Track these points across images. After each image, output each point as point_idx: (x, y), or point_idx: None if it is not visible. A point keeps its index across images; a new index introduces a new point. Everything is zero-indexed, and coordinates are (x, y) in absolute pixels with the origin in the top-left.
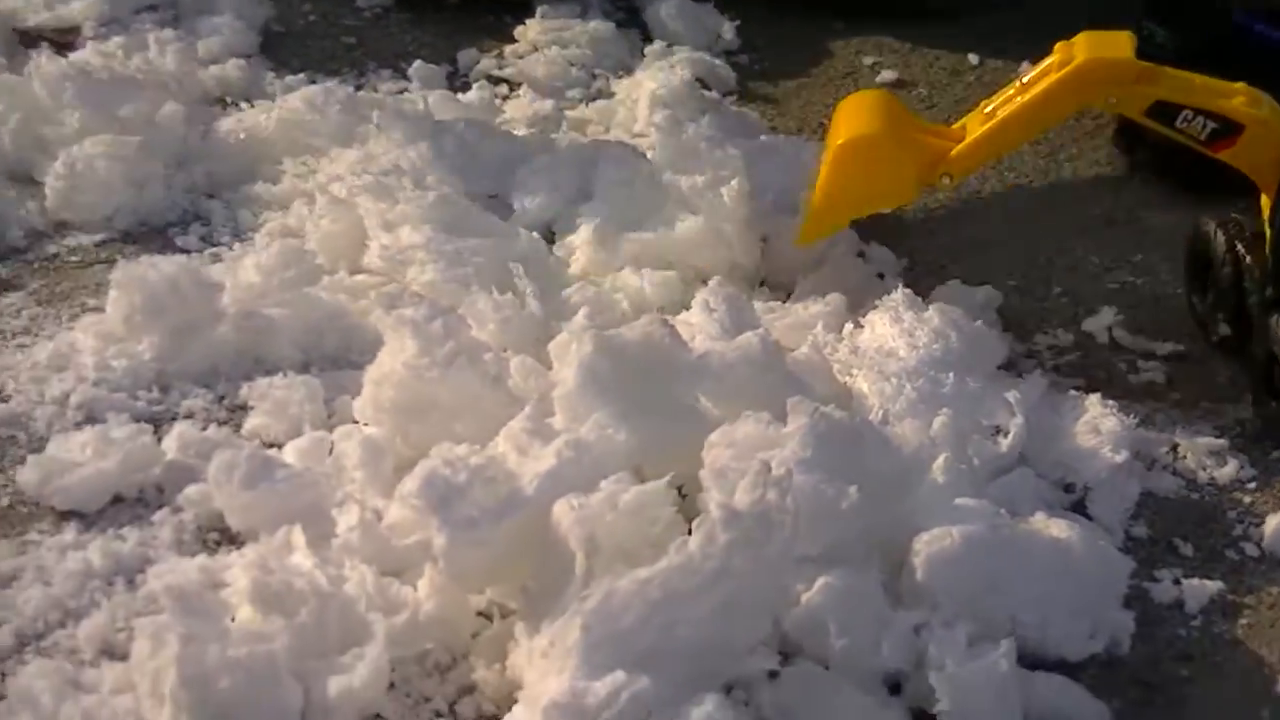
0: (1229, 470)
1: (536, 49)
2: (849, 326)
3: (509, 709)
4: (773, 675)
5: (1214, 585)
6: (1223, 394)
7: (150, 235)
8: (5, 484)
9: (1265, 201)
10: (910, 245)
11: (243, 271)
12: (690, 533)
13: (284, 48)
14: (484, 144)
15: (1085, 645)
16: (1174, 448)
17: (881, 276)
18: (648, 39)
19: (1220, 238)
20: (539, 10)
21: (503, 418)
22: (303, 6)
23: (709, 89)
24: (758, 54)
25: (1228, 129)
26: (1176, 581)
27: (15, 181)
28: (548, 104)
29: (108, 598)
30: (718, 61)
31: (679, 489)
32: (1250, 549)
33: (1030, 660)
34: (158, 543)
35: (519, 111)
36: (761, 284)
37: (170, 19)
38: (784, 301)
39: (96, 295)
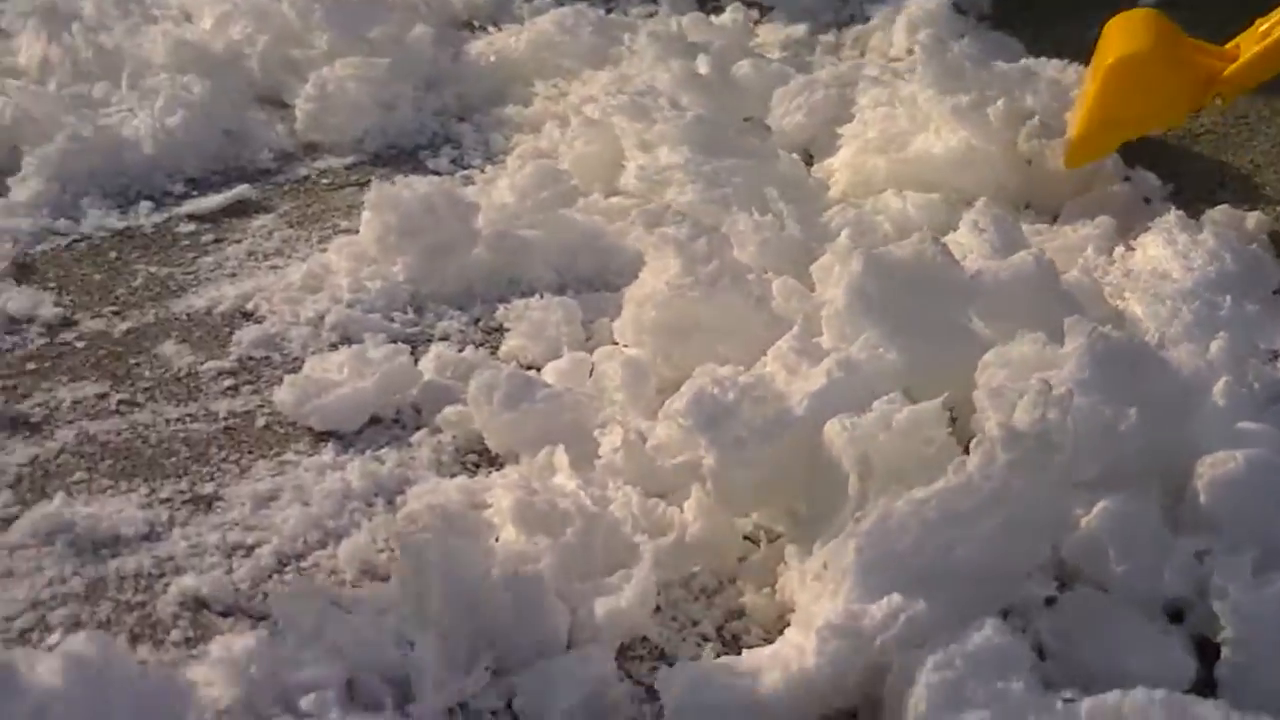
0: None
1: None
2: (1119, 249)
3: (779, 633)
4: (1050, 601)
5: None
6: None
7: (400, 158)
8: (262, 404)
9: None
10: (1175, 169)
11: (497, 193)
12: (966, 454)
13: None
14: (739, 66)
15: None
16: None
17: (1148, 201)
18: None
19: None
20: None
21: (766, 339)
22: None
23: (964, 13)
24: None
25: None
26: None
27: (265, 104)
28: (801, 28)
29: (367, 518)
30: None
31: (949, 411)
32: None
33: None
34: (416, 463)
35: (771, 35)
36: (1026, 206)
37: None
38: (1050, 224)
39: (348, 217)
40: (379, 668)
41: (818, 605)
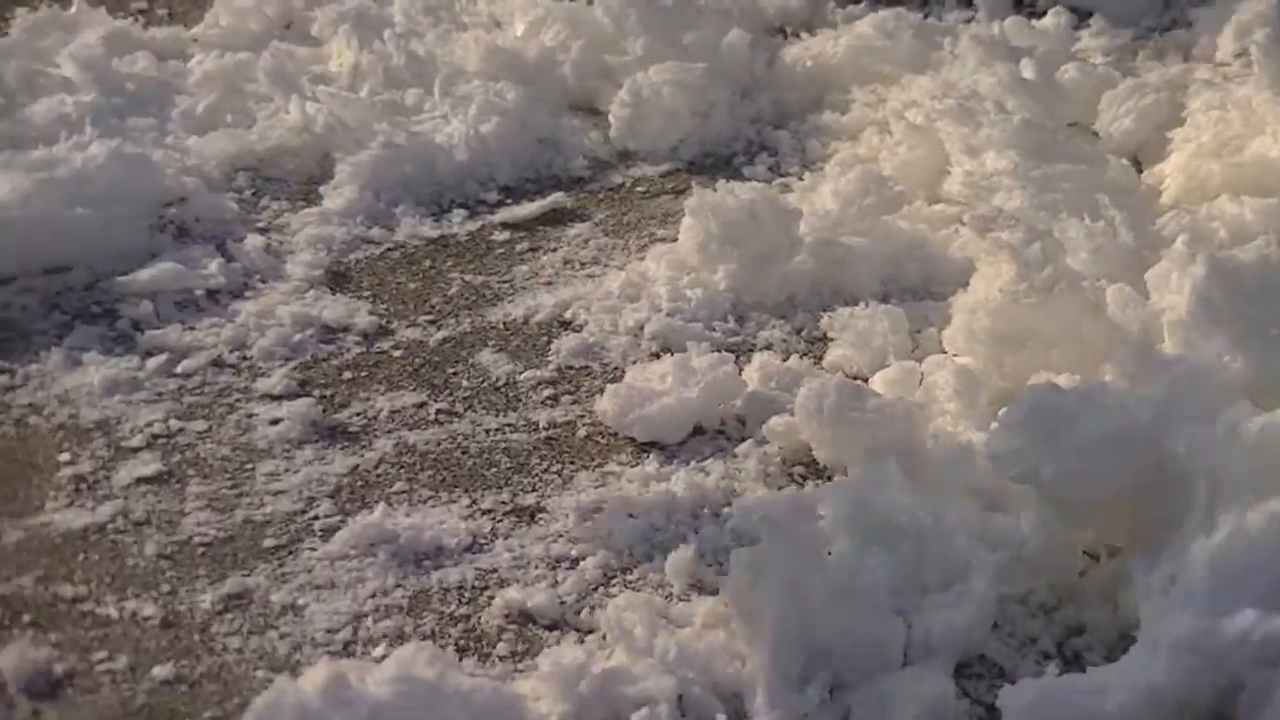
0: None
1: None
2: None
3: (1121, 651)
4: None
5: None
6: None
7: (716, 165)
8: (583, 414)
9: None
10: None
11: (819, 200)
12: None
13: None
14: (1064, 71)
15: None
16: None
17: None
18: None
19: None
20: None
21: (1102, 347)
22: None
23: None
24: None
25: None
26: None
27: (578, 111)
28: (1124, 33)
29: (694, 530)
30: None
31: None
32: None
33: None
34: (743, 475)
35: (1093, 40)
36: None
37: None
38: None
39: (664, 225)
40: (710, 683)
41: (1165, 621)
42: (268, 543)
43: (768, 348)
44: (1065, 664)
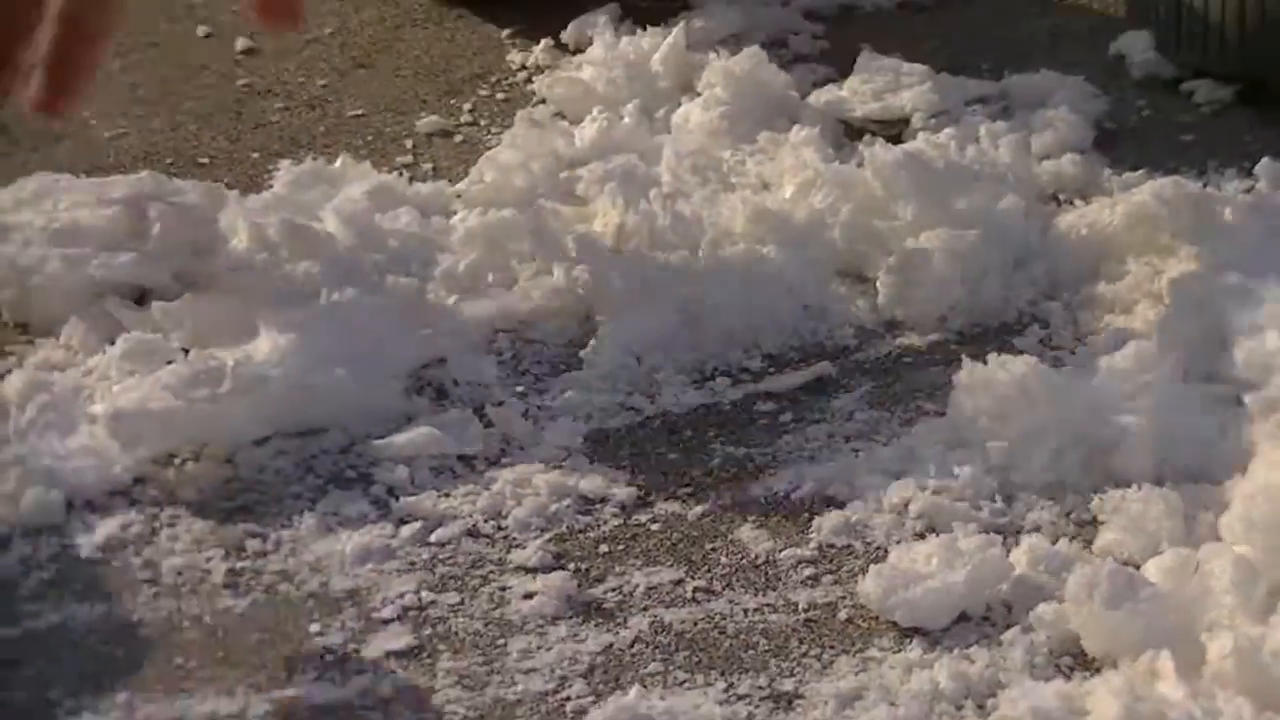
0: None
1: None
2: None
3: None
4: None
5: None
6: None
7: (985, 336)
8: (844, 595)
9: None
10: None
11: (1092, 376)
12: None
13: (1118, 143)
14: None
15: None
16: None
17: None
18: None
19: None
20: None
21: None
22: (1137, 102)
23: None
24: None
25: None
26: None
27: (845, 277)
28: None
29: None
30: None
31: None
32: None
33: None
34: (1008, 664)
35: None
36: None
37: (1001, 111)
38: None
39: (932, 398)
40: None
41: None
42: None
43: (1036, 530)
44: None
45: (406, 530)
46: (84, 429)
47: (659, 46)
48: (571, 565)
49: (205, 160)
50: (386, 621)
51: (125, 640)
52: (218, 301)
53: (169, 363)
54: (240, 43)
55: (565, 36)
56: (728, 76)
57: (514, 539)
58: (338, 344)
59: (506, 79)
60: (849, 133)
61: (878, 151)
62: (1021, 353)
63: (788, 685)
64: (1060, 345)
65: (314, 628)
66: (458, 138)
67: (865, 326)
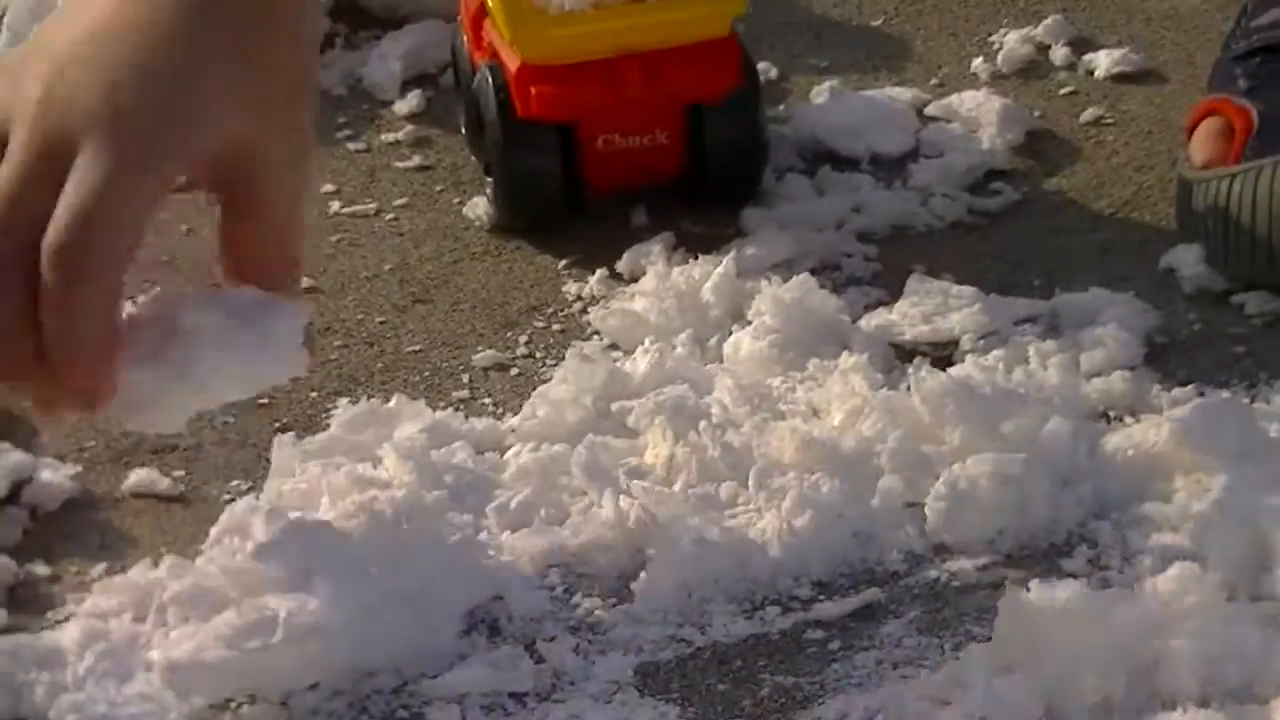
0: None
1: None
2: None
3: None
4: None
5: None
6: None
7: (1033, 558)
8: None
9: None
10: None
11: (1139, 599)
12: None
13: (1168, 358)
14: None
15: None
16: None
17: None
18: None
19: None
20: None
21: None
22: (1188, 315)
23: None
24: None
25: None
26: None
27: (893, 503)
28: None
29: None
30: None
31: None
32: None
33: None
34: None
35: None
36: None
37: (1050, 330)
38: None
39: (979, 623)
40: None
41: None
42: None
43: None
44: None
45: None
46: (140, 676)
47: (710, 275)
48: None
49: (265, 400)
50: None
51: None
52: (267, 548)
53: (223, 610)
54: (301, 282)
55: (620, 266)
56: (778, 304)
57: None
58: (392, 586)
59: (562, 310)
60: (900, 355)
61: (925, 378)
62: (1070, 574)
63: None
64: (1108, 565)
65: None
66: (513, 371)
67: (914, 551)
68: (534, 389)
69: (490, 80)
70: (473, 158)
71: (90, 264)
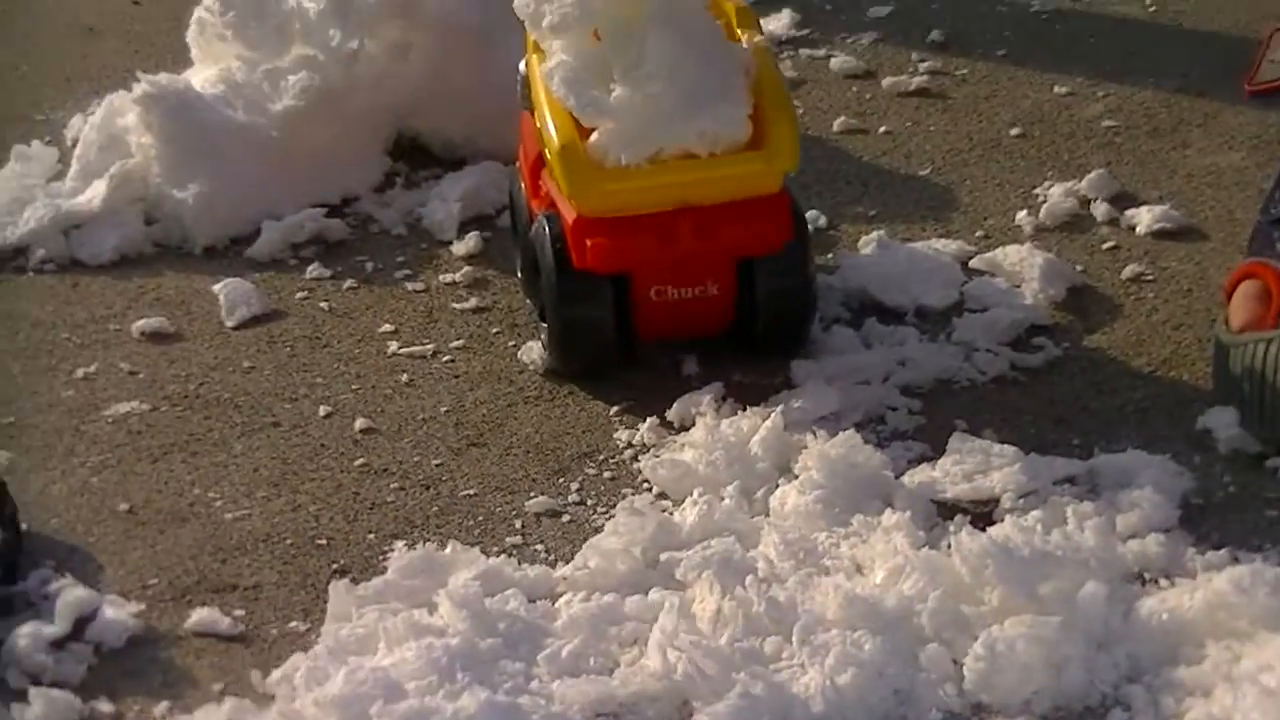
0: None
1: None
2: None
3: None
4: None
5: None
6: None
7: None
8: None
9: None
10: None
11: None
12: None
13: (1203, 521)
14: None
15: None
16: None
17: None
18: None
19: None
20: None
21: None
22: (1223, 477)
23: None
24: None
25: None
26: None
27: (933, 662)
28: None
29: None
30: None
31: None
32: None
33: None
34: None
35: None
36: None
37: (1088, 490)
38: None
39: None
40: None
41: None
42: None
43: None
44: None
45: None
46: None
47: (758, 429)
48: None
49: (323, 541)
50: None
51: None
52: (327, 698)
53: None
54: (360, 422)
55: (670, 415)
56: (824, 460)
57: None
58: None
59: (613, 457)
60: (941, 511)
61: (965, 539)
62: None
63: None
64: None
65: None
66: (565, 517)
67: (953, 711)
68: (585, 536)
69: (547, 230)
70: (528, 301)
71: None
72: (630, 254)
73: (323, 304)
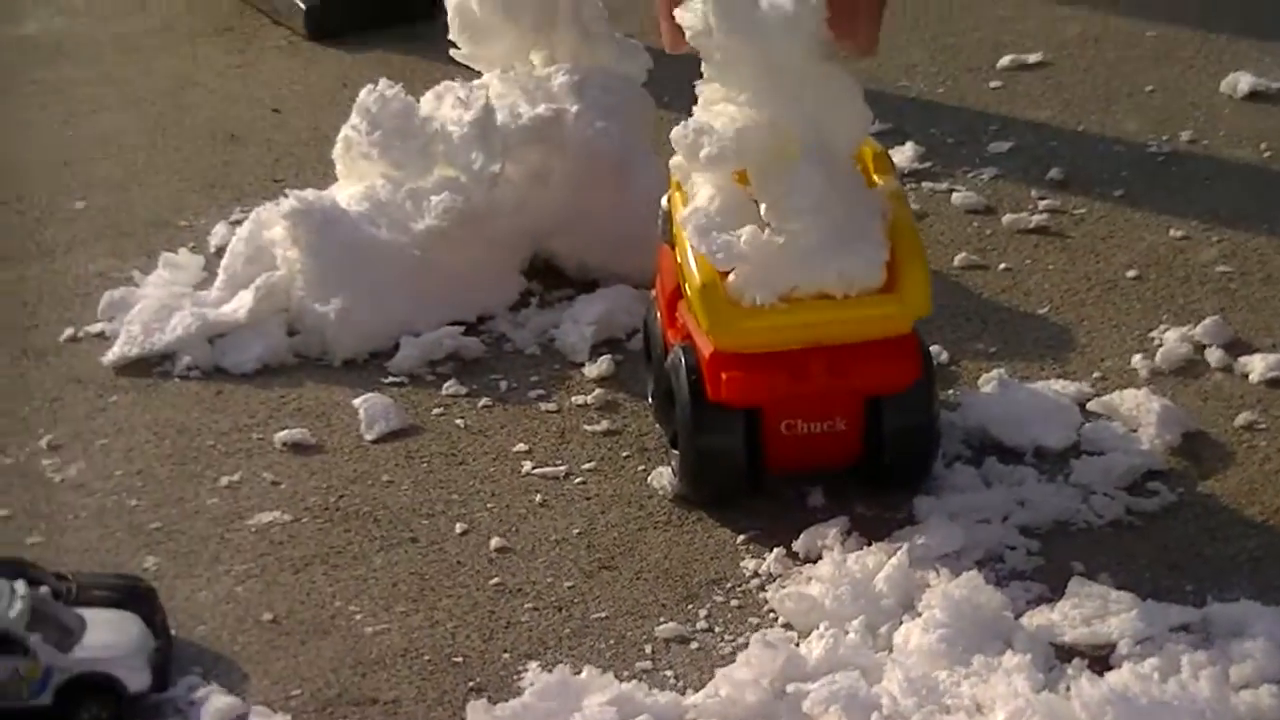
0: None
1: None
2: None
3: None
4: None
5: None
6: None
7: None
8: None
9: None
10: None
11: None
12: None
13: None
14: None
15: None
16: None
17: None
18: None
19: None
20: None
21: None
22: None
23: None
24: None
25: None
26: None
27: None
28: None
29: None
30: None
31: None
32: None
33: None
34: None
35: None
36: None
37: (1202, 639)
38: None
39: None
40: None
41: None
42: None
43: None
44: None
45: None
46: None
47: (884, 565)
48: None
49: (459, 659)
50: None
51: None
52: None
53: None
54: (495, 541)
55: (797, 546)
56: (947, 599)
57: None
58: None
59: (740, 586)
60: (1059, 654)
61: (1085, 685)
62: None
63: None
64: None
65: None
66: (694, 644)
67: None
68: (712, 664)
69: (683, 361)
70: (658, 426)
71: None
72: (764, 389)
73: (458, 421)
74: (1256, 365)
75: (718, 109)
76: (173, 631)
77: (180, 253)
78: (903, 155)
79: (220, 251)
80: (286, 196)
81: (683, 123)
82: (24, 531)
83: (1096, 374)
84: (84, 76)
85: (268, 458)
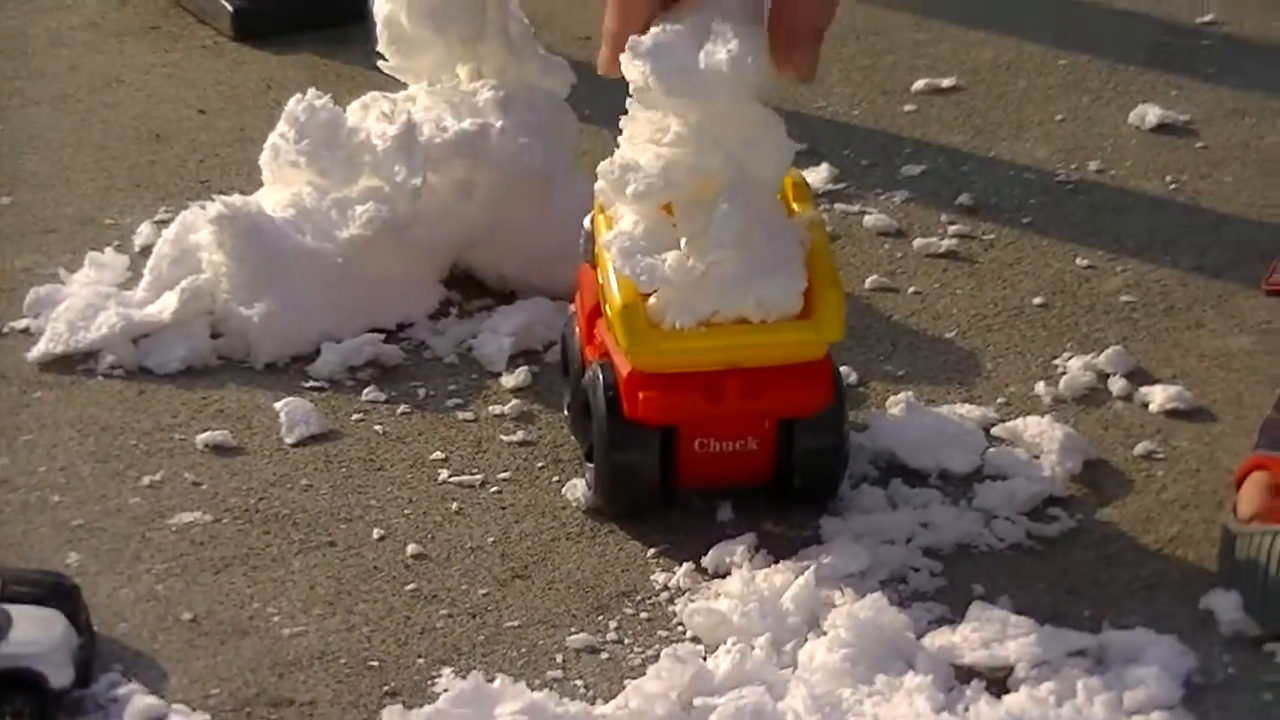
0: None
1: None
2: None
3: None
4: None
5: None
6: None
7: None
8: None
9: None
10: None
11: None
12: None
13: (1204, 700)
14: None
15: None
16: None
17: None
18: None
19: None
20: None
21: None
22: (1223, 658)
23: None
24: None
25: None
26: None
27: None
28: None
29: None
30: None
31: None
32: None
33: None
34: None
35: None
36: None
37: (1097, 664)
38: None
39: None
40: None
41: None
42: None
43: None
44: None
45: None
46: None
47: (790, 584)
48: None
49: (375, 663)
50: None
51: None
52: None
53: None
54: (411, 548)
55: (706, 561)
56: (851, 619)
57: None
58: None
59: (650, 598)
60: (959, 674)
61: (984, 708)
62: None
63: None
64: None
65: None
66: (604, 655)
67: None
68: (622, 674)
69: (601, 378)
70: (574, 439)
71: None
72: (680, 409)
73: (377, 427)
74: (1157, 395)
75: (641, 146)
76: (95, 628)
77: (106, 251)
78: (817, 176)
79: (145, 251)
80: (212, 199)
81: (608, 159)
82: None
83: (1001, 399)
84: (11, 71)
85: (189, 458)
